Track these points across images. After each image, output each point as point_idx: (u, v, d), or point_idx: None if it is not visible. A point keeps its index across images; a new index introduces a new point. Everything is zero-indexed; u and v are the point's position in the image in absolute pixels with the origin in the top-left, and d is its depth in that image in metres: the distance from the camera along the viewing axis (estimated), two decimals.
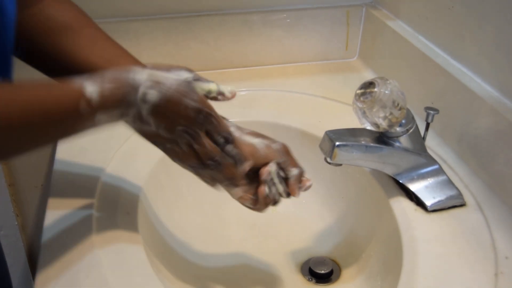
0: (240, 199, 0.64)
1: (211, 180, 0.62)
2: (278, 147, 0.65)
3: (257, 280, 0.75)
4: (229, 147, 0.60)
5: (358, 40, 1.07)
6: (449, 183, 0.71)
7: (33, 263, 1.14)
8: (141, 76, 0.53)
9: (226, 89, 0.64)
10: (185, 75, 0.59)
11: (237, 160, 0.61)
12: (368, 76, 1.00)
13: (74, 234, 0.65)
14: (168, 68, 0.58)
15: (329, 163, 0.68)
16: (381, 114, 0.65)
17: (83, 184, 0.73)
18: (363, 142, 0.68)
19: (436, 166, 0.71)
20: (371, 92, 0.65)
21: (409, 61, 0.91)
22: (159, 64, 0.58)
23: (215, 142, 0.59)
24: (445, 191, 0.70)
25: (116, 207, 0.69)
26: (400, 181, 0.71)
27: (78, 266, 0.60)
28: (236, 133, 0.63)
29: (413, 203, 0.71)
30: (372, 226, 0.76)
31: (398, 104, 0.65)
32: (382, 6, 1.03)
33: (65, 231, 0.65)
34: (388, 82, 0.65)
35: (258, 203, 0.64)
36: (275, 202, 0.65)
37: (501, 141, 0.70)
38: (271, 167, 0.63)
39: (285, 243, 0.81)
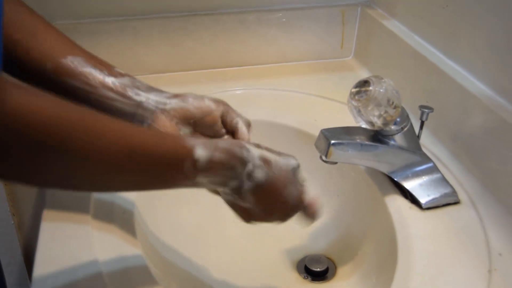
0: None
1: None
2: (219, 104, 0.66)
3: (254, 278, 0.76)
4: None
5: (353, 39, 1.08)
6: (443, 181, 0.72)
7: (30, 263, 1.14)
8: (253, 153, 0.54)
9: None
10: (292, 162, 0.60)
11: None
12: (363, 75, 1.00)
13: (71, 232, 0.65)
14: (279, 153, 0.59)
15: (325, 162, 0.69)
16: (376, 113, 0.65)
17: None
18: (358, 141, 0.68)
19: (430, 164, 0.72)
20: (366, 91, 0.65)
21: (404, 60, 0.91)
22: (270, 149, 0.59)
23: None
24: (440, 189, 0.71)
25: (112, 206, 0.69)
26: (395, 179, 0.72)
27: (76, 265, 0.61)
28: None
29: (408, 200, 0.72)
30: (367, 224, 0.76)
31: (393, 103, 0.65)
32: (377, 5, 1.04)
33: (62, 230, 0.66)
34: (383, 80, 0.65)
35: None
36: None
37: (495, 139, 0.71)
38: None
39: (281, 241, 0.82)
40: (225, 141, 0.54)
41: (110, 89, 0.60)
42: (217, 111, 0.65)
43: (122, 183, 0.49)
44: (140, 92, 0.62)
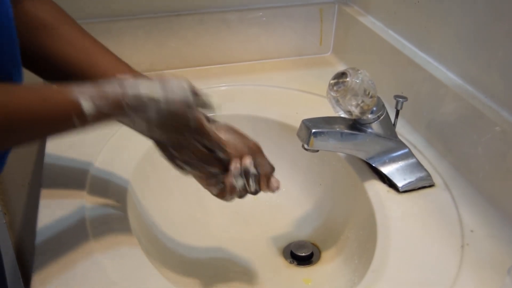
0: (207, 186, 0.67)
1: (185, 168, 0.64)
2: (251, 145, 0.67)
3: (242, 265, 0.79)
4: (218, 152, 0.63)
5: (331, 36, 1.11)
6: (419, 165, 0.76)
7: (22, 261, 1.16)
8: (139, 87, 0.56)
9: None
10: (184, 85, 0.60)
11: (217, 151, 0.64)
12: (342, 69, 1.04)
13: (68, 228, 0.67)
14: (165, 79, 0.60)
15: (307, 150, 0.72)
16: (354, 102, 0.69)
17: (73, 177, 0.76)
18: (337, 129, 0.72)
19: (406, 150, 0.76)
20: (343, 82, 0.69)
21: (380, 54, 0.95)
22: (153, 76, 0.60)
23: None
24: (415, 173, 0.75)
25: (106, 198, 0.72)
26: (373, 165, 0.76)
27: (74, 261, 0.63)
28: (212, 126, 0.65)
29: (386, 185, 0.76)
30: (349, 209, 0.80)
31: (369, 93, 0.69)
32: (353, 2, 1.08)
33: (58, 227, 0.68)
34: (359, 72, 0.69)
35: (225, 192, 0.66)
36: (241, 195, 0.67)
37: (466, 125, 0.75)
38: (246, 161, 0.65)
39: (267, 229, 0.85)
40: (112, 86, 0.55)
41: None
42: None
43: (15, 141, 0.53)
44: None
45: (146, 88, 0.55)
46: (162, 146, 0.63)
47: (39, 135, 0.56)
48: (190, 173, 0.65)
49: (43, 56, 0.64)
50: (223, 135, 0.65)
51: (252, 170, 0.65)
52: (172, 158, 0.63)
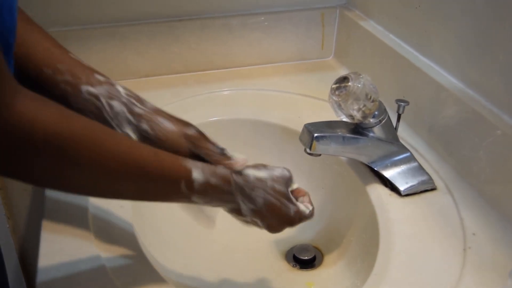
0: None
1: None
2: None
3: (244, 268, 0.79)
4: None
5: (333, 40, 1.12)
6: (420, 169, 0.76)
7: (25, 265, 1.16)
8: (249, 176, 0.58)
9: None
10: (286, 174, 0.63)
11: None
12: (344, 73, 1.04)
13: (72, 230, 0.68)
14: (272, 168, 0.62)
15: (309, 154, 0.73)
16: (355, 106, 0.69)
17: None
18: (339, 133, 0.72)
19: (407, 154, 0.77)
20: (345, 86, 0.69)
21: (381, 58, 0.96)
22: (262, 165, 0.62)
23: None
24: (417, 176, 0.76)
25: (110, 200, 0.73)
26: (375, 169, 0.76)
27: (79, 266, 0.63)
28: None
29: (388, 188, 0.76)
30: (351, 213, 0.80)
31: (370, 97, 0.69)
32: (354, 7, 1.08)
33: (63, 227, 0.68)
34: (361, 76, 0.70)
35: None
36: None
37: (467, 129, 0.76)
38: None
39: (269, 233, 0.85)
40: (223, 168, 0.58)
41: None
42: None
43: (121, 192, 0.53)
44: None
45: (252, 169, 0.59)
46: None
47: (144, 192, 0.55)
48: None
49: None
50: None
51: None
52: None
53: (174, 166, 0.54)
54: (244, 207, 0.59)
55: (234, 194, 0.58)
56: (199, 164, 0.56)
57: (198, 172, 0.55)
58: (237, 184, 0.58)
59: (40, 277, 0.61)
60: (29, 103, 0.43)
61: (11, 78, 0.42)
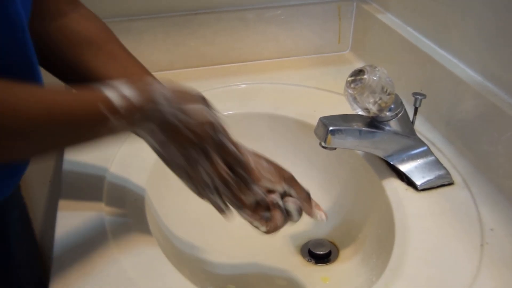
0: (250, 218, 0.64)
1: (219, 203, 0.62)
2: (284, 173, 0.65)
3: (259, 263, 0.79)
4: (240, 170, 0.60)
5: (350, 34, 1.11)
6: (438, 163, 0.75)
7: (43, 258, 1.18)
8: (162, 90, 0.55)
9: None
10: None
11: (248, 182, 0.61)
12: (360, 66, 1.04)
13: (86, 227, 0.68)
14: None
15: (324, 148, 0.72)
16: (371, 100, 0.69)
17: (91, 178, 0.76)
18: (355, 127, 0.72)
19: (424, 148, 0.76)
20: (361, 79, 0.69)
21: (399, 51, 0.95)
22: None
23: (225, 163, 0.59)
24: (434, 171, 0.75)
25: (124, 195, 0.73)
26: (391, 163, 0.75)
27: (93, 260, 0.63)
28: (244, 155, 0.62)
29: (404, 183, 0.75)
30: (367, 207, 0.80)
31: (386, 90, 0.69)
32: (371, 0, 1.07)
33: (77, 224, 0.68)
34: (377, 69, 0.69)
35: (271, 223, 0.64)
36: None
37: (485, 122, 0.74)
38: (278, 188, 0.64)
39: (284, 228, 0.85)
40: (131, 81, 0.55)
41: None
42: None
43: (50, 142, 0.51)
44: None
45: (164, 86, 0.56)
46: (177, 168, 0.61)
47: (72, 132, 0.52)
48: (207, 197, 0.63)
49: (83, 72, 0.64)
50: (251, 158, 0.63)
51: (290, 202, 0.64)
52: (188, 179, 0.61)
53: (86, 92, 0.52)
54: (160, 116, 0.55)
55: (150, 104, 0.54)
56: (111, 82, 0.54)
57: (110, 89, 0.52)
58: (150, 95, 0.54)
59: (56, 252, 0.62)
60: None
61: None
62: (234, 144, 0.60)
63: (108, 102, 0.51)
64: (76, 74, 0.65)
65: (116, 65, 0.66)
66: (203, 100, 0.58)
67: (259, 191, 0.62)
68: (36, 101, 0.48)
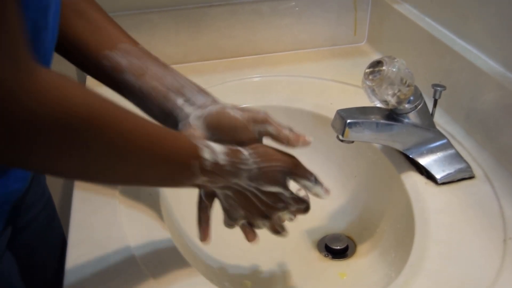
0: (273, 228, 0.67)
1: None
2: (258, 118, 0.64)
3: (276, 258, 0.78)
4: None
5: (366, 25, 1.09)
6: (458, 156, 0.74)
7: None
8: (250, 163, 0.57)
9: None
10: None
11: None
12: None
13: (101, 214, 0.68)
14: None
15: (341, 141, 0.71)
16: (390, 91, 0.67)
17: None
18: (373, 119, 0.70)
19: (444, 141, 0.74)
20: (379, 71, 0.67)
21: (417, 42, 0.93)
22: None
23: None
24: (454, 164, 0.73)
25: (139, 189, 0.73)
26: (410, 156, 0.74)
27: (107, 251, 0.63)
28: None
29: (424, 176, 0.74)
30: (385, 201, 0.78)
31: (406, 81, 0.67)
32: None
33: (92, 211, 0.69)
34: (396, 60, 0.67)
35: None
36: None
37: (507, 114, 0.73)
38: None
39: (301, 222, 0.83)
40: (228, 147, 0.56)
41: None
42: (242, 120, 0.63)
43: (138, 175, 0.50)
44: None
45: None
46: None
47: (158, 172, 0.51)
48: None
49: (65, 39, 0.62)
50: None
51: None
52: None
53: (185, 143, 0.52)
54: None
55: (238, 175, 0.56)
56: (208, 143, 0.54)
57: (206, 149, 0.53)
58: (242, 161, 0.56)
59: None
60: (50, 78, 0.39)
61: (29, 55, 0.38)
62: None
63: (201, 163, 0.52)
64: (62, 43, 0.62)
65: (90, 26, 0.63)
66: (285, 180, 0.59)
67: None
68: (142, 129, 0.47)
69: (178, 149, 0.51)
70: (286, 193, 0.60)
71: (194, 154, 0.52)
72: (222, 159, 0.54)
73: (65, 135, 0.40)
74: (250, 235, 0.66)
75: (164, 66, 0.65)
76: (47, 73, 0.39)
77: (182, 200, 0.79)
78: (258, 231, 0.66)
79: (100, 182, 0.55)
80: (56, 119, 0.38)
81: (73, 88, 0.40)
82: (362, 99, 0.72)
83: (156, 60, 0.65)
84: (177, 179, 0.53)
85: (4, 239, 0.63)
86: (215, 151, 0.54)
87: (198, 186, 0.56)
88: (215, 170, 0.53)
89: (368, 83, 0.68)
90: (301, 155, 0.90)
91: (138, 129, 0.47)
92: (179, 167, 0.51)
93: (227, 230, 0.80)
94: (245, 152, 0.57)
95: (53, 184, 1.10)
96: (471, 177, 0.73)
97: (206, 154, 0.52)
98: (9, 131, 0.37)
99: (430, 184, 0.72)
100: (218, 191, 0.60)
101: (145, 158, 0.48)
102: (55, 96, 0.38)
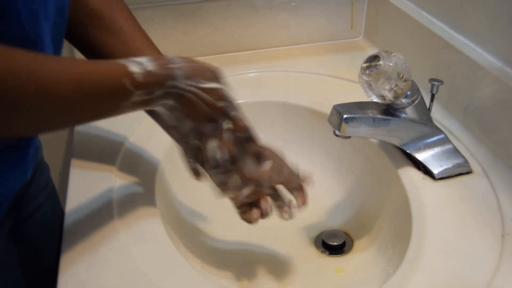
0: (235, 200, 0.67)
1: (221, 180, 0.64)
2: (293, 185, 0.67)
3: (272, 254, 0.78)
4: (250, 144, 0.63)
5: (362, 19, 1.09)
6: (455, 151, 0.73)
7: None
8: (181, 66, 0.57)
9: None
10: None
11: (260, 157, 0.64)
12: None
13: (95, 208, 0.68)
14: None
15: (338, 136, 0.70)
16: (387, 86, 0.67)
17: (109, 143, 0.78)
18: (370, 114, 0.70)
19: (442, 136, 0.73)
20: (376, 65, 0.67)
21: (414, 37, 0.92)
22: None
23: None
24: (452, 159, 0.73)
25: (135, 178, 0.73)
26: (407, 151, 0.73)
27: (101, 243, 0.63)
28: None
29: (421, 172, 0.73)
30: (382, 197, 0.78)
31: (403, 76, 0.67)
32: None
33: (86, 206, 0.68)
34: (392, 54, 0.67)
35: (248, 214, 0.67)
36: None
37: (505, 109, 0.72)
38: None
39: (298, 218, 0.83)
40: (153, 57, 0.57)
41: None
42: None
43: (73, 115, 0.52)
44: None
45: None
46: (185, 145, 0.62)
47: (96, 105, 0.53)
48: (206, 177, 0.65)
49: (87, 40, 0.66)
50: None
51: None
52: (192, 155, 0.62)
53: (114, 65, 0.53)
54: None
55: (169, 79, 0.56)
56: (133, 58, 0.55)
57: (134, 65, 0.53)
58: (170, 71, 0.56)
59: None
60: None
61: None
62: (246, 121, 0.62)
63: (132, 77, 0.53)
64: (87, 46, 0.66)
65: (122, 43, 0.67)
66: (218, 77, 0.60)
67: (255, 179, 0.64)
68: (66, 72, 0.49)
69: (105, 74, 0.52)
70: (226, 92, 0.60)
71: (123, 71, 0.53)
72: (150, 65, 0.54)
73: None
74: (249, 214, 0.66)
75: None
76: None
77: (180, 193, 0.79)
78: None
79: (54, 130, 0.57)
80: None
81: None
82: (358, 95, 0.72)
83: None
84: (116, 103, 0.54)
85: (4, 229, 0.63)
86: (141, 61, 0.54)
87: (141, 106, 0.56)
88: (148, 78, 0.54)
89: (365, 77, 0.67)
90: (298, 151, 0.90)
91: (63, 73, 0.49)
92: (113, 90, 0.52)
93: (223, 227, 0.80)
94: (170, 56, 0.58)
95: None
96: (469, 172, 0.72)
97: (134, 67, 0.53)
98: None
99: (427, 179, 0.72)
100: (161, 108, 0.59)
101: (79, 97, 0.50)
102: None
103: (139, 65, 0.54)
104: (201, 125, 0.59)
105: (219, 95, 0.59)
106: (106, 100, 0.53)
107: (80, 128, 0.82)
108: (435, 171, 0.72)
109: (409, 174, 0.73)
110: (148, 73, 0.54)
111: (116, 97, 0.53)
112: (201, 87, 0.57)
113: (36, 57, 0.47)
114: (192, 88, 0.57)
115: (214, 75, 0.59)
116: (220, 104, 0.59)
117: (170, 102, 0.57)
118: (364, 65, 0.68)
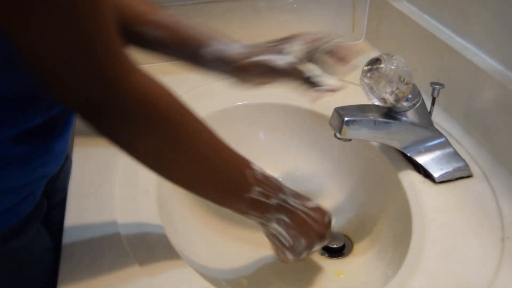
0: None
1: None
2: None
3: (272, 256, 0.78)
4: None
5: (364, 22, 1.09)
6: (456, 155, 0.73)
7: None
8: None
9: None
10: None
11: None
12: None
13: (95, 211, 0.68)
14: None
15: (339, 139, 0.70)
16: (388, 89, 0.67)
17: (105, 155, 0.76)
18: (371, 117, 0.70)
19: (442, 139, 0.73)
20: (377, 68, 0.67)
21: (415, 40, 0.92)
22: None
23: None
24: (452, 163, 0.73)
25: (135, 187, 0.72)
26: (408, 154, 0.73)
27: (102, 248, 0.63)
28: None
29: (421, 175, 0.73)
30: (382, 200, 0.78)
31: (404, 79, 0.67)
32: None
33: (86, 212, 0.68)
34: (394, 58, 0.67)
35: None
36: None
37: (506, 113, 0.72)
38: None
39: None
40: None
41: None
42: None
43: (199, 176, 0.55)
44: None
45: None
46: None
47: (213, 187, 0.57)
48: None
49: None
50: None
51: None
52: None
53: (236, 154, 0.56)
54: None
55: (281, 192, 0.59)
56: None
57: (254, 164, 0.57)
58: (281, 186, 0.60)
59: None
60: (143, 78, 0.48)
61: (127, 54, 0.47)
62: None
63: (253, 171, 0.56)
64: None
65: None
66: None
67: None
68: (204, 134, 0.53)
69: (233, 157, 0.56)
70: (322, 206, 0.64)
71: (246, 163, 0.56)
72: (265, 172, 0.58)
73: (145, 121, 0.49)
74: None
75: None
76: (142, 76, 0.48)
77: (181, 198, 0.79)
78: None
79: (166, 173, 0.58)
80: (143, 113, 0.48)
81: (162, 92, 0.50)
82: (359, 97, 0.72)
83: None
84: (234, 189, 0.57)
85: (41, 213, 0.64)
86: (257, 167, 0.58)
87: (259, 209, 0.58)
88: (265, 179, 0.57)
89: (366, 80, 0.68)
90: (298, 154, 0.90)
91: (203, 132, 0.53)
92: (236, 174, 0.56)
93: (224, 228, 0.80)
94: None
95: None
96: (469, 176, 0.73)
97: (255, 166, 0.57)
98: (114, 112, 0.48)
99: (428, 182, 0.72)
100: (275, 225, 0.61)
101: (207, 159, 0.53)
102: (146, 99, 0.48)
103: (258, 166, 0.57)
104: (313, 242, 0.63)
105: (322, 211, 0.64)
106: (225, 178, 0.56)
107: (80, 129, 0.82)
108: (436, 174, 0.72)
109: (410, 177, 0.73)
110: (265, 175, 0.58)
111: (238, 186, 0.56)
112: (308, 207, 0.62)
113: (192, 113, 0.52)
114: (300, 206, 0.61)
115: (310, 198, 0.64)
116: (326, 219, 0.64)
117: (283, 217, 0.60)
118: (366, 68, 0.68)
